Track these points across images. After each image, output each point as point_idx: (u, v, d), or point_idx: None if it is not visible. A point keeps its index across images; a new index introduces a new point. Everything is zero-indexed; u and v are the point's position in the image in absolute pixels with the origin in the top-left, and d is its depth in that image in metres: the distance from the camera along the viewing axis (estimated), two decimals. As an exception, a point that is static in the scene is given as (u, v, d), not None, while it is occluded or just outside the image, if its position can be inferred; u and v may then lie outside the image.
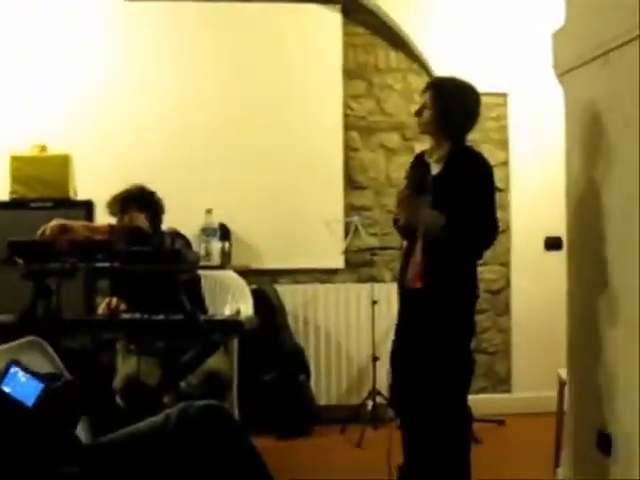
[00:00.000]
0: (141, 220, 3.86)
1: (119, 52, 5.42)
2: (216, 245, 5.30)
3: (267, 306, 5.13)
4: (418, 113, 3.50)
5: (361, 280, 5.55)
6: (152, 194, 3.98)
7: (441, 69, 5.45)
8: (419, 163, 3.58)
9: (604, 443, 3.20)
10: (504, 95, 5.61)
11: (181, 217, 4.29)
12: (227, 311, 4.42)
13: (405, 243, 3.64)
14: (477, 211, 3.30)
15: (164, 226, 4.04)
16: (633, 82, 2.92)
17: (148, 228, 3.86)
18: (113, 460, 1.95)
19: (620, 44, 3.02)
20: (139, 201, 3.90)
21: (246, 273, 5.05)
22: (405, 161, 3.81)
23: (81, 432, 2.27)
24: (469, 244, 3.35)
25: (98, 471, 1.95)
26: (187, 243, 4.04)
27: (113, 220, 3.86)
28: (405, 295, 3.53)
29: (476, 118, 3.50)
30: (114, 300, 3.63)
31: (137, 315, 3.25)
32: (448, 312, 3.35)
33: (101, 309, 3.62)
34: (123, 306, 3.61)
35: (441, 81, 3.63)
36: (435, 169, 3.46)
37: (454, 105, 3.42)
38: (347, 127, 5.62)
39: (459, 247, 3.32)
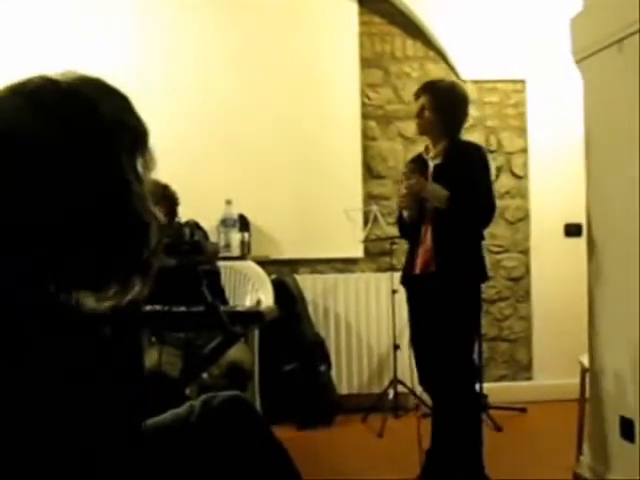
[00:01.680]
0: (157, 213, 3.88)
1: (136, 42, 5.41)
2: (235, 236, 5.30)
3: (287, 296, 5.14)
4: (420, 115, 3.64)
5: (380, 269, 5.54)
6: (166, 187, 3.98)
7: (458, 56, 5.45)
8: (417, 161, 3.75)
9: (627, 430, 3.19)
10: (522, 82, 5.58)
11: (200, 208, 4.31)
12: (247, 302, 4.45)
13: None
14: (476, 188, 3.48)
15: (184, 218, 4.05)
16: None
17: (164, 221, 3.88)
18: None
19: (633, 32, 3.05)
20: (153, 195, 3.90)
21: (266, 263, 5.07)
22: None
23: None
24: (471, 216, 3.50)
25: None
26: (204, 235, 4.05)
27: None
28: (415, 281, 3.65)
29: (468, 113, 3.73)
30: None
31: (158, 307, 3.28)
32: (460, 292, 3.50)
33: None
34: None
35: (434, 83, 3.79)
36: (434, 162, 3.64)
37: (450, 104, 3.61)
38: (365, 116, 5.61)
39: (462, 219, 3.47)
